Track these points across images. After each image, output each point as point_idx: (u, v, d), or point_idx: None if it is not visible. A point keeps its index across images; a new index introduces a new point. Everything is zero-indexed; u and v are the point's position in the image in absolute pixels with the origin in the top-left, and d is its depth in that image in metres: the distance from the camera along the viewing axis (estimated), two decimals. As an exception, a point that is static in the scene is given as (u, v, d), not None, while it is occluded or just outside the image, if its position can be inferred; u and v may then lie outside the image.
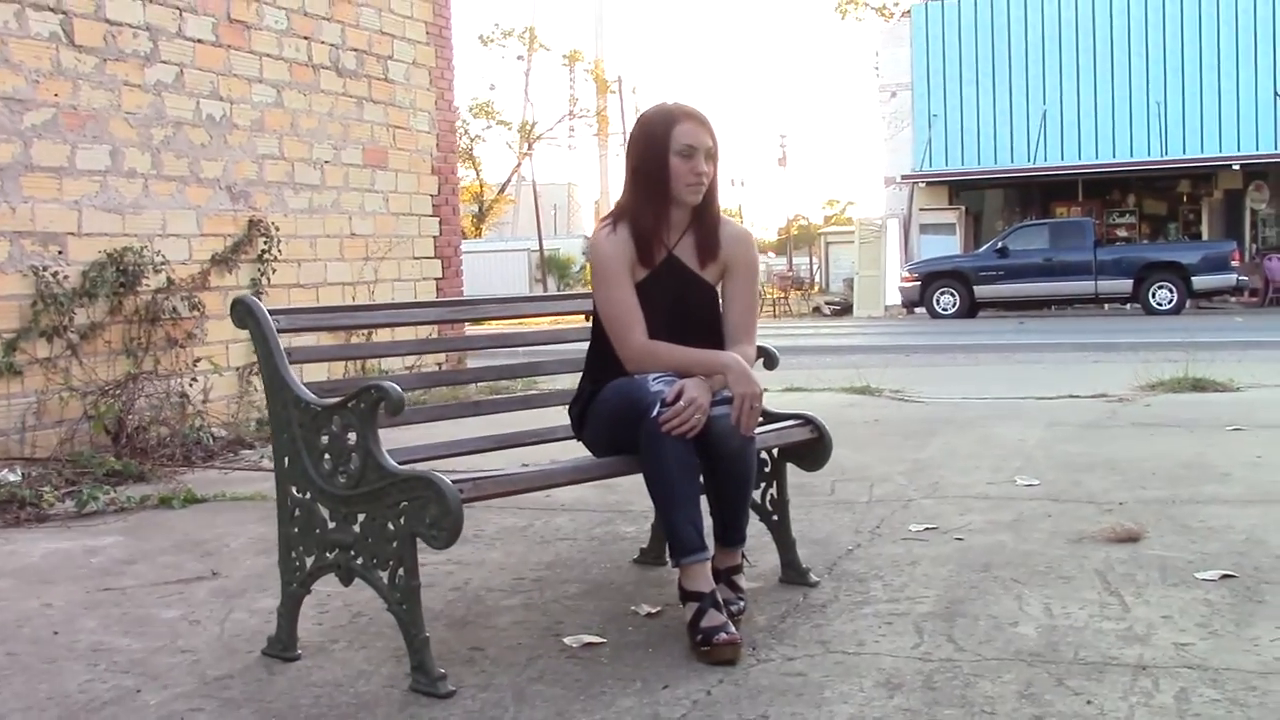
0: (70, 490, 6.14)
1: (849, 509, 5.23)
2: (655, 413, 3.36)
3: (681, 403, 3.35)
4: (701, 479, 3.58)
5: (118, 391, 7.31)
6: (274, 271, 8.74)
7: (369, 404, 3.18)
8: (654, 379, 3.47)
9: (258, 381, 8.61)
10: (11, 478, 6.13)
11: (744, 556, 3.76)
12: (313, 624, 3.74)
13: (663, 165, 3.55)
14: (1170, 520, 4.76)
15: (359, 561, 3.26)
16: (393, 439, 3.51)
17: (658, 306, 3.62)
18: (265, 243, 8.66)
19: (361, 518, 3.24)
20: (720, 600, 3.40)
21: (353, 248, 9.68)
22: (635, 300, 3.58)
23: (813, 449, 4.02)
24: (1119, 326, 20.51)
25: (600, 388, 3.67)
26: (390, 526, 3.17)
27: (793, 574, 4.07)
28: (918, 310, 26.56)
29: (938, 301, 25.68)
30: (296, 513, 3.41)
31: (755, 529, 4.06)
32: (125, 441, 7.27)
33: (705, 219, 3.67)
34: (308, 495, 3.37)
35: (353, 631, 3.69)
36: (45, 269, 7.01)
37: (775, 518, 4.11)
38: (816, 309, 30.69)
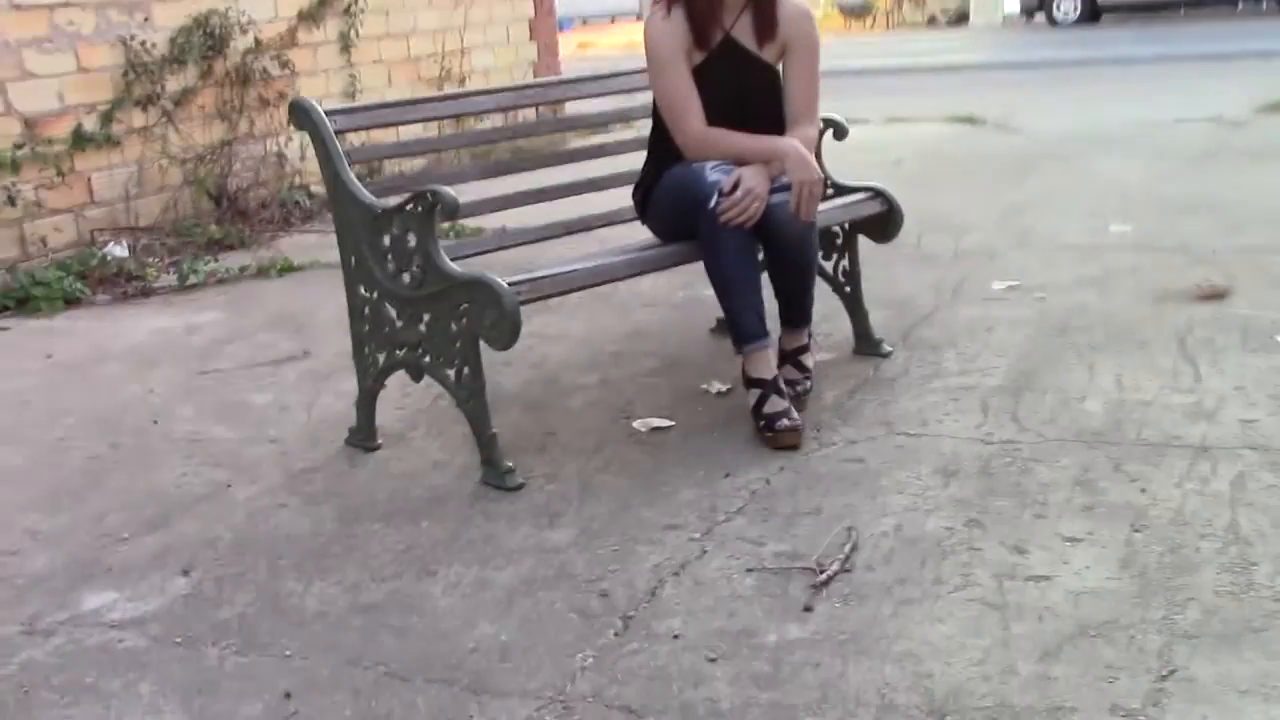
0: (174, 261, 6.32)
1: (932, 264, 5.19)
2: (713, 204, 3.34)
3: (739, 193, 3.32)
4: (764, 263, 3.58)
5: (216, 156, 7.40)
6: (362, 24, 8.64)
7: (426, 208, 3.21)
8: (711, 167, 3.43)
9: (354, 136, 8.66)
10: (119, 252, 6.31)
11: (810, 335, 3.78)
12: (395, 409, 3.87)
13: (715, -57, 3.42)
14: (1263, 273, 4.65)
15: (427, 360, 3.35)
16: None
17: (716, 90, 3.54)
18: (350, -6, 8.54)
19: (426, 317, 3.31)
20: (782, 386, 3.44)
21: (441, -8, 9.52)
22: (691, 85, 3.51)
23: (883, 221, 3.97)
24: (1252, 30, 19.47)
25: (662, 172, 3.64)
26: (453, 327, 3.24)
27: (866, 345, 4.09)
28: (1037, 17, 25.43)
29: (1058, 7, 24.50)
30: (366, 311, 3.49)
31: (830, 301, 4.08)
32: (228, 205, 7.41)
33: (762, -3, 3.55)
34: (375, 295, 3.44)
35: (431, 416, 3.81)
36: (133, 38, 7.02)
37: (848, 289, 4.11)
38: (931, 19, 29.57)
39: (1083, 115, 9.43)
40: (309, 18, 8.30)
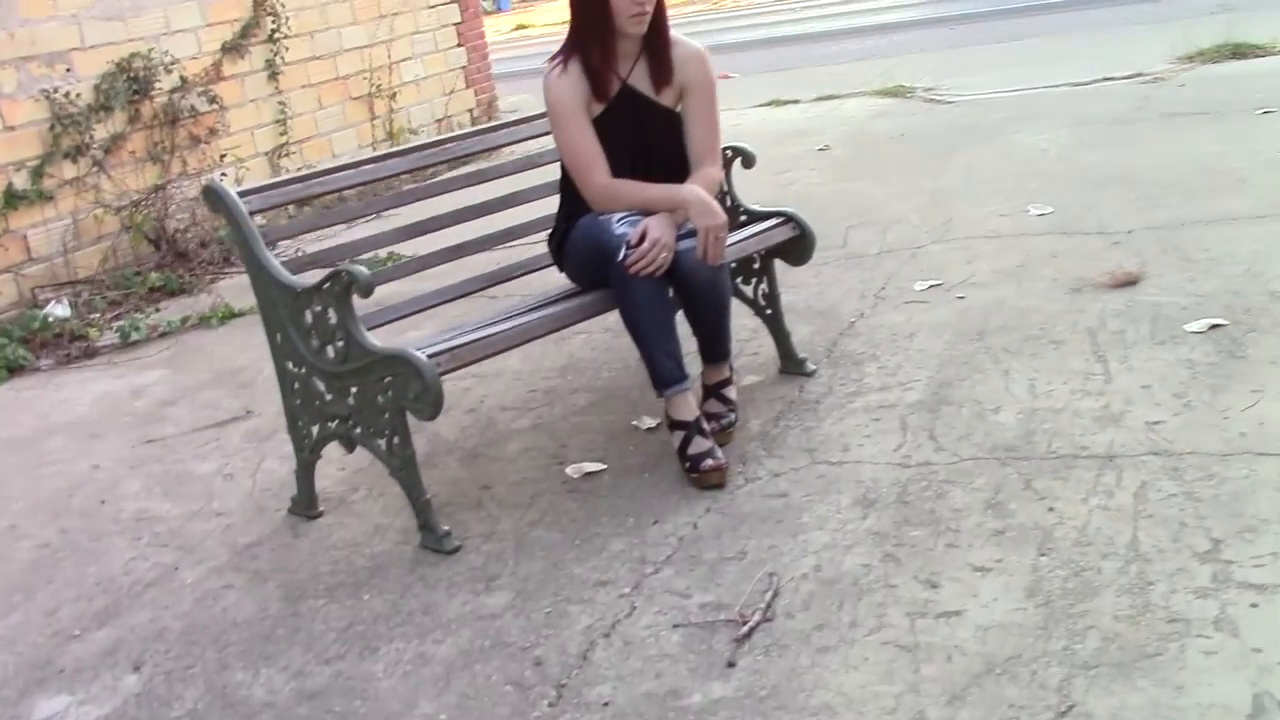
0: (116, 315, 6.37)
1: (858, 265, 5.29)
2: (622, 256, 3.43)
3: (646, 244, 3.41)
4: (680, 303, 3.68)
5: (151, 200, 7.44)
6: (287, 50, 8.66)
7: (341, 287, 3.29)
8: (618, 220, 3.52)
9: (287, 163, 8.72)
10: (60, 312, 6.36)
11: (732, 368, 3.88)
12: (336, 470, 3.96)
13: (603, 1, 3.50)
14: (1174, 252, 4.77)
15: (358, 431, 3.44)
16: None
17: (619, 139, 3.63)
18: (273, 21, 8.55)
19: (354, 391, 3.40)
20: (705, 426, 3.54)
21: (364, 8, 9.53)
22: (593, 139, 3.59)
23: (797, 245, 4.06)
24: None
25: (573, 222, 3.72)
26: (380, 399, 3.33)
27: (790, 365, 4.20)
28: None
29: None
30: (295, 385, 3.57)
31: (754, 321, 4.20)
32: (167, 248, 7.45)
33: (655, 44, 3.63)
34: (303, 370, 3.52)
35: (371, 477, 3.90)
36: (56, 90, 7.05)
37: (769, 311, 4.21)
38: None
39: (1008, 77, 9.52)
40: (233, 49, 8.34)
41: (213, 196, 3.58)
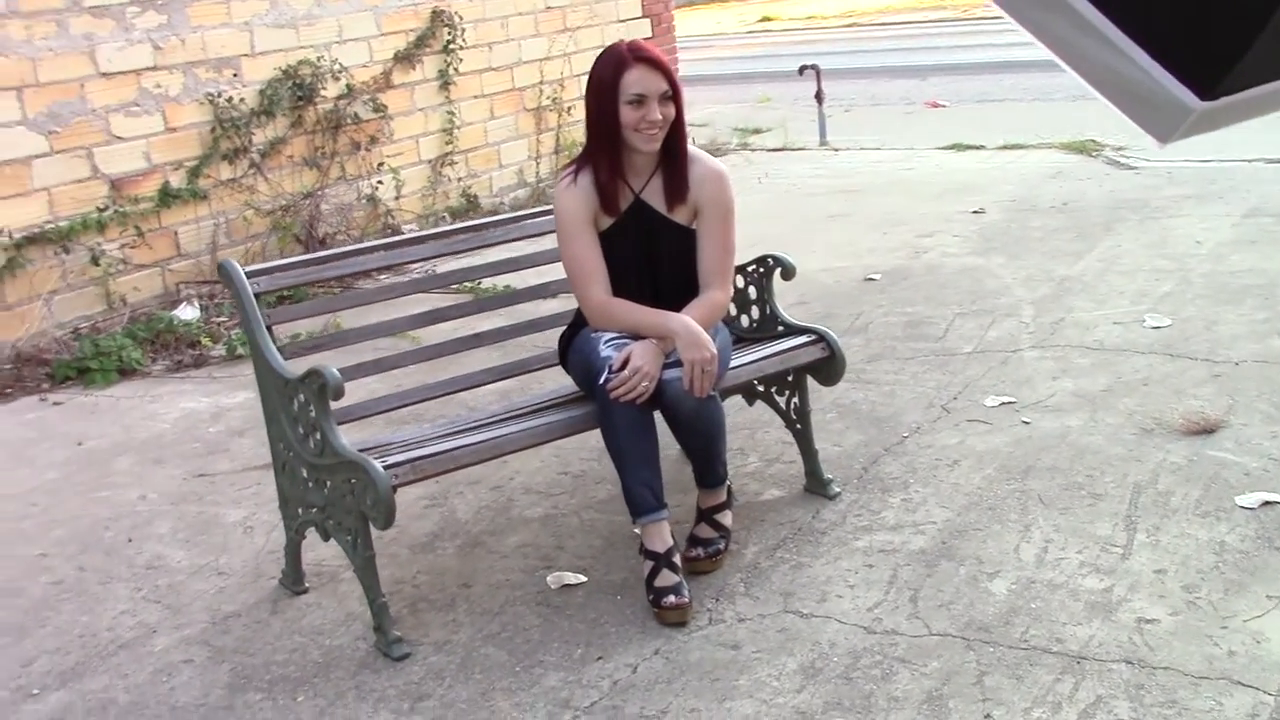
0: (238, 322, 6.58)
1: (944, 366, 5.06)
2: (603, 379, 3.36)
3: (627, 371, 3.33)
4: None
5: (304, 202, 7.66)
6: (461, 61, 8.79)
7: (315, 387, 3.31)
8: (606, 341, 3.44)
9: (450, 172, 8.86)
10: (187, 315, 6.61)
11: (730, 492, 3.76)
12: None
13: (613, 114, 3.42)
14: (1269, 394, 4.42)
15: (331, 522, 3.46)
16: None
17: (627, 253, 3.55)
18: (449, 32, 8.69)
19: (328, 484, 3.42)
20: (676, 560, 3.44)
21: (548, 21, 9.60)
22: (595, 255, 3.52)
23: (826, 365, 3.91)
24: None
25: (580, 330, 3.66)
26: (347, 499, 3.34)
27: (815, 484, 4.05)
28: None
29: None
30: (285, 466, 3.62)
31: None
32: (317, 247, 7.66)
33: (671, 160, 3.53)
34: (290, 454, 3.56)
35: (370, 554, 3.92)
36: (220, 94, 7.31)
37: (799, 426, 4.06)
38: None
39: (1209, 141, 8.95)
40: (405, 58, 8.50)
41: (223, 273, 3.63)
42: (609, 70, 3.43)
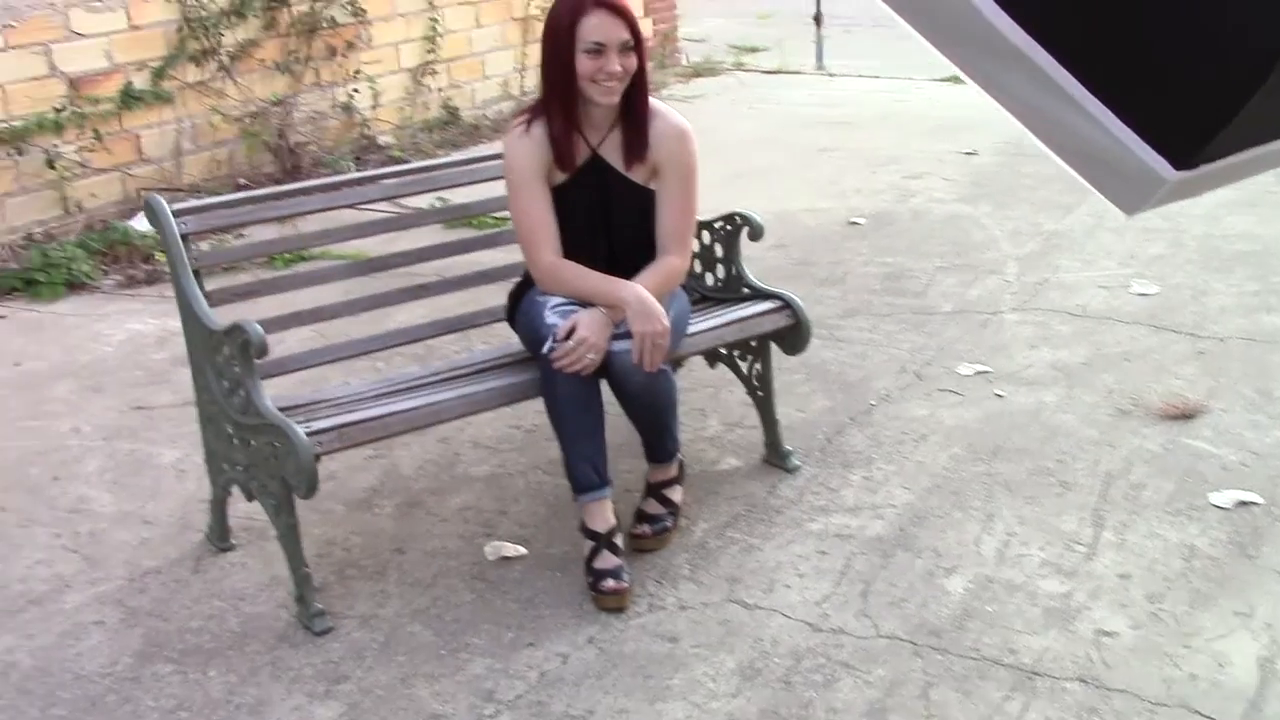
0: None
1: (921, 326, 4.85)
2: (547, 348, 3.15)
3: (572, 342, 3.12)
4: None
5: (275, 108, 7.37)
6: (446, -36, 8.46)
7: (238, 343, 3.10)
8: (552, 307, 3.22)
9: (431, 82, 8.55)
10: (142, 226, 6.35)
11: (681, 466, 3.57)
12: (276, 492, 3.80)
13: (569, 63, 3.17)
14: (1258, 380, 4.23)
15: (254, 483, 3.27)
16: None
17: (579, 212, 3.32)
18: (436, -66, 8.34)
19: (251, 444, 3.22)
20: (617, 541, 3.26)
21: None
22: (545, 211, 3.28)
23: (790, 333, 3.70)
24: None
25: (531, 288, 3.44)
26: (271, 462, 3.15)
27: (774, 456, 3.87)
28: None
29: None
30: (210, 421, 3.42)
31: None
32: (287, 159, 7.39)
33: (631, 115, 3.29)
34: (215, 408, 3.36)
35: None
36: (189, -9, 7.00)
37: (760, 394, 3.86)
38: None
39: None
40: (388, -40, 8.14)
41: (149, 210, 3.40)
42: (565, 13, 3.18)
